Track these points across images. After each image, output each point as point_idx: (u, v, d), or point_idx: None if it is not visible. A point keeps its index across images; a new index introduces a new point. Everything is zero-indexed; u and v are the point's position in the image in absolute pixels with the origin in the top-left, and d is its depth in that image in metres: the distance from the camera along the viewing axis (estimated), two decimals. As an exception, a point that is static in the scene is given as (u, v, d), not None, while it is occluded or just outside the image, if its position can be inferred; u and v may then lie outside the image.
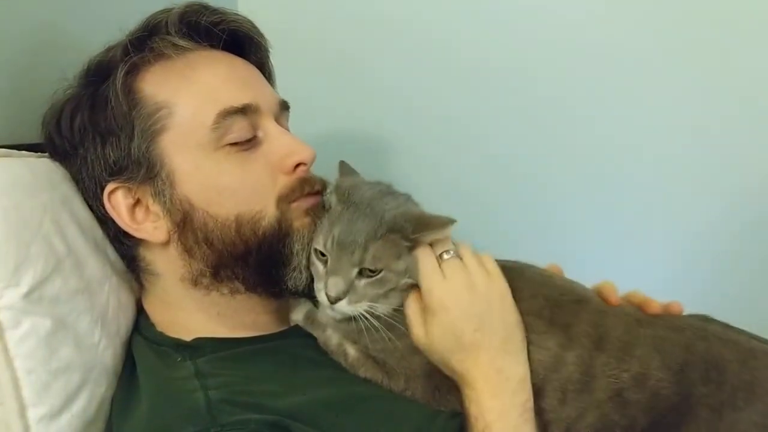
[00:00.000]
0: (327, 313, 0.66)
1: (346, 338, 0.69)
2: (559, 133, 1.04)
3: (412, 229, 0.64)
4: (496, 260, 0.68)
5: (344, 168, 0.74)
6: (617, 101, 1.01)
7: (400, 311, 0.66)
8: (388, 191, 0.69)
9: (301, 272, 0.67)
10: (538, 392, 0.63)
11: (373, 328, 0.64)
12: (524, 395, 0.61)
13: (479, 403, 0.61)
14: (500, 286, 0.65)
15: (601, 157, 1.04)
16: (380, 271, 0.63)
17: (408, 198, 0.70)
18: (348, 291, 0.63)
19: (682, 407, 0.60)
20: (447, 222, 0.65)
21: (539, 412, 0.63)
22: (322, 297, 0.64)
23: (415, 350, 0.66)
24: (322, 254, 0.65)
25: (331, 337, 0.70)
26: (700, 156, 1.00)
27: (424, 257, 0.65)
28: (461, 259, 0.65)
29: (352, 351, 0.69)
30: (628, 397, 0.61)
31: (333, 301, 0.63)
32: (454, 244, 0.67)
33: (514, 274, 0.67)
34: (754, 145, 0.98)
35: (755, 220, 0.99)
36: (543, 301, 0.66)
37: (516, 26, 1.02)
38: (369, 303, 0.64)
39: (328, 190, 0.70)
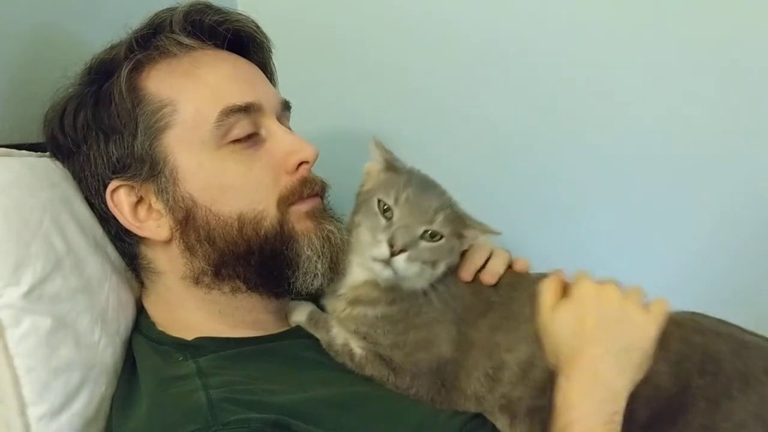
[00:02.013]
0: (376, 270, 0.66)
1: (354, 335, 0.69)
2: (565, 132, 1.04)
3: (469, 221, 0.70)
4: None
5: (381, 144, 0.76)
6: (625, 100, 1.01)
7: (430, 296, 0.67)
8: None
9: (316, 277, 0.68)
10: (542, 389, 0.64)
11: (400, 311, 0.67)
12: (614, 407, 0.60)
13: (567, 395, 0.61)
14: (651, 322, 0.64)
15: (606, 157, 1.03)
16: (441, 239, 0.66)
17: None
18: (411, 245, 0.65)
19: (680, 399, 0.61)
20: (495, 231, 0.70)
21: (542, 408, 0.63)
22: (381, 249, 0.65)
23: (423, 347, 0.67)
24: (386, 209, 0.67)
25: (336, 337, 0.70)
26: (704, 156, 1.00)
27: (583, 274, 0.68)
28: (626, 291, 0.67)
29: (358, 350, 0.69)
30: (635, 392, 0.62)
31: (396, 252, 0.64)
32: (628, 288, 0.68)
33: None
34: (760, 145, 0.97)
35: (761, 221, 0.99)
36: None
37: (525, 20, 1.02)
38: (421, 265, 0.65)
39: (374, 160, 0.73)
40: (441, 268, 0.68)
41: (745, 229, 1.00)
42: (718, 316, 0.67)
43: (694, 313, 0.68)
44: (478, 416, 0.67)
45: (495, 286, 0.70)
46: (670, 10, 0.97)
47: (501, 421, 0.67)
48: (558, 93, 1.03)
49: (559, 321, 0.65)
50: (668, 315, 0.66)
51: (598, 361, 0.62)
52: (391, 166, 0.72)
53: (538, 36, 1.01)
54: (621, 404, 0.61)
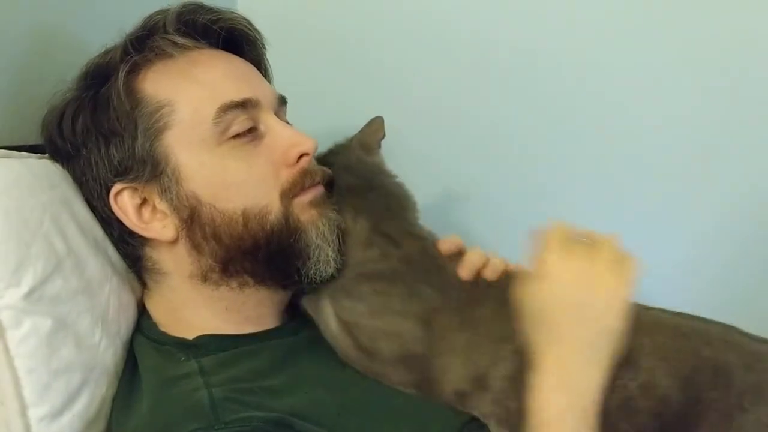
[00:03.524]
0: None
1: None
2: (563, 132, 1.04)
3: None
4: None
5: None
6: (623, 100, 1.01)
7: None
8: None
9: (328, 263, 0.68)
10: None
11: None
12: (589, 399, 0.58)
13: (541, 393, 0.58)
14: (624, 291, 0.61)
15: (605, 157, 1.04)
16: None
17: None
18: None
19: (692, 412, 0.60)
20: None
21: None
22: None
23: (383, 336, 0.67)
24: None
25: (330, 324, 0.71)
26: (703, 156, 1.00)
27: (556, 232, 0.63)
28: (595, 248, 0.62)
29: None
30: (635, 405, 0.61)
31: None
32: (600, 234, 0.64)
33: None
34: (759, 145, 0.98)
35: (761, 222, 0.99)
36: None
37: (526, 20, 1.02)
38: None
39: None
40: None
41: (745, 230, 1.00)
42: (717, 316, 0.66)
43: (702, 319, 0.66)
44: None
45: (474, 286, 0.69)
46: (671, 11, 0.97)
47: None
48: (557, 94, 1.03)
49: (530, 311, 0.61)
50: (674, 321, 0.64)
51: (572, 355, 0.59)
52: None
53: (538, 37, 1.02)
54: (596, 395, 0.58)
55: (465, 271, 0.69)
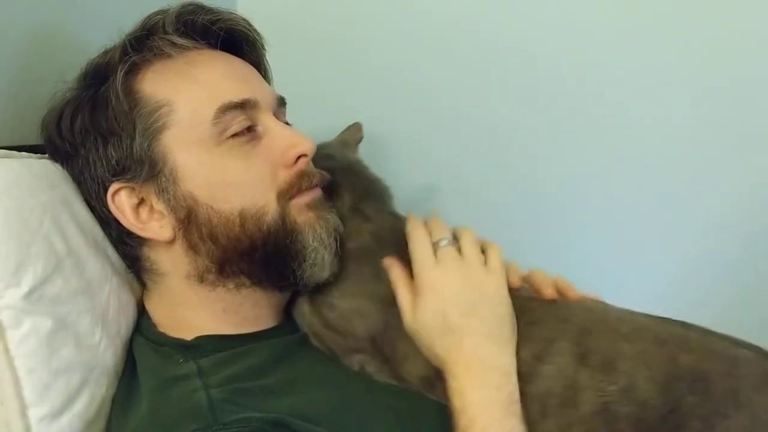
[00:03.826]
0: None
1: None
2: (562, 133, 1.04)
3: None
4: None
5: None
6: (623, 101, 1.01)
7: None
8: None
9: (324, 267, 0.68)
10: None
11: None
12: (509, 387, 0.61)
13: (462, 395, 0.61)
14: (496, 279, 0.65)
15: (604, 158, 1.04)
16: None
17: None
18: None
19: (673, 420, 0.59)
20: None
21: None
22: None
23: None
24: None
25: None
26: (701, 159, 1.00)
27: (418, 240, 0.67)
28: (459, 248, 0.66)
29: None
30: (615, 410, 0.60)
31: None
32: (457, 230, 0.68)
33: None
34: (756, 148, 0.98)
35: (760, 223, 0.99)
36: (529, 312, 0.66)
37: (526, 20, 1.02)
38: None
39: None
40: None
41: (744, 232, 1.00)
42: (718, 316, 0.66)
43: (681, 323, 0.65)
44: None
45: None
46: (671, 11, 0.97)
47: None
48: (557, 94, 1.03)
49: (425, 325, 0.64)
50: (655, 327, 0.64)
51: (478, 349, 0.62)
52: None
53: (537, 37, 1.02)
54: (514, 381, 0.61)
55: None
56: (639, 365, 0.61)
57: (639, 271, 1.03)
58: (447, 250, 0.66)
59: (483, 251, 0.68)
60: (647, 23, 0.98)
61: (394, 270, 0.67)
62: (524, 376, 0.63)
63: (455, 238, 0.68)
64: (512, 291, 0.67)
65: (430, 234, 0.68)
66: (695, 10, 0.96)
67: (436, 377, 0.65)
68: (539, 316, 0.67)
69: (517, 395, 0.61)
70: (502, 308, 0.64)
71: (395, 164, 1.11)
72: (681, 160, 1.01)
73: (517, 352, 0.64)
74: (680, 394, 0.59)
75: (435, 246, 0.66)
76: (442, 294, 0.64)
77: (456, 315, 0.63)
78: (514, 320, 0.64)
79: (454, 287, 0.64)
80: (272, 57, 0.78)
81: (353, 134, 0.86)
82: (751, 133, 0.97)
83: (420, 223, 0.69)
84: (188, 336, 0.68)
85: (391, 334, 0.68)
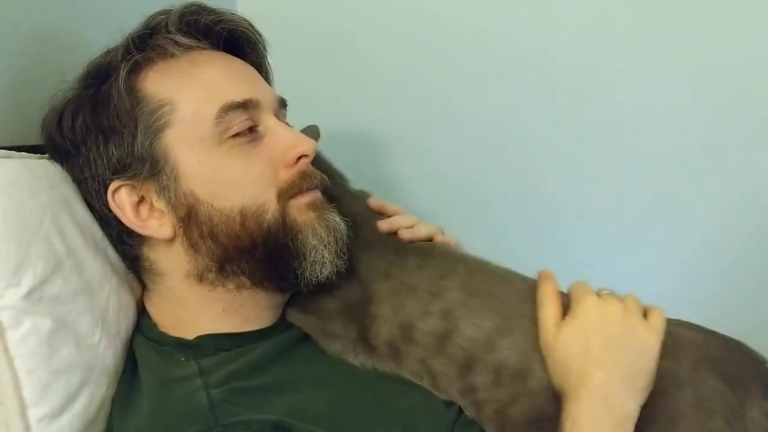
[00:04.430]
0: None
1: None
2: (563, 134, 1.05)
3: None
4: None
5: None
6: (619, 103, 1.01)
7: None
8: None
9: (324, 265, 0.68)
10: (468, 367, 0.65)
11: None
12: (624, 428, 0.60)
13: (576, 422, 0.60)
14: (652, 335, 0.64)
15: (604, 158, 1.04)
16: None
17: None
18: None
19: None
20: None
21: (473, 389, 0.65)
22: None
23: None
24: None
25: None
26: (701, 159, 1.00)
27: (582, 286, 0.68)
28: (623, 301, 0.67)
29: None
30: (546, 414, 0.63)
31: None
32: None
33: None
34: (756, 148, 0.98)
35: (760, 224, 0.99)
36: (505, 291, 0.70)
37: (527, 19, 1.02)
38: None
39: None
40: None
41: (744, 231, 1.00)
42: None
43: None
44: None
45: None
46: (670, 11, 0.97)
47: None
48: (557, 94, 1.03)
49: (565, 343, 0.64)
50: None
51: (607, 385, 0.61)
52: None
53: (537, 37, 1.02)
54: (631, 428, 0.61)
55: (385, 225, 0.74)
56: None
57: (639, 271, 1.03)
58: (611, 295, 0.67)
59: (646, 313, 0.67)
60: (647, 23, 0.98)
61: (548, 285, 0.68)
62: (482, 346, 0.65)
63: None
64: None
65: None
66: (695, 10, 0.96)
67: (401, 336, 0.67)
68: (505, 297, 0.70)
69: None
70: (647, 360, 0.63)
71: (395, 164, 1.11)
72: (681, 159, 1.01)
73: (480, 321, 0.66)
74: None
75: (598, 292, 0.67)
76: (593, 319, 0.64)
77: (598, 344, 0.63)
78: (652, 381, 0.63)
79: (607, 318, 0.64)
80: (272, 57, 0.78)
81: (309, 134, 0.87)
82: (752, 132, 0.98)
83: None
84: (189, 335, 0.68)
85: (360, 299, 0.70)
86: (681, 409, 0.61)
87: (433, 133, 1.09)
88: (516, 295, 0.69)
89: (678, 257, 1.03)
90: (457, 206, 1.08)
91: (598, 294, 0.67)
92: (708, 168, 1.00)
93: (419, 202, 1.07)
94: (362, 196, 0.80)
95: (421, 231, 0.75)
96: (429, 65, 1.06)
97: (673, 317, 0.67)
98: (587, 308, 0.65)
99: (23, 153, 0.68)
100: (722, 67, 0.96)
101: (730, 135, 0.98)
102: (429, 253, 0.73)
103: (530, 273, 0.72)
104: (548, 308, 0.66)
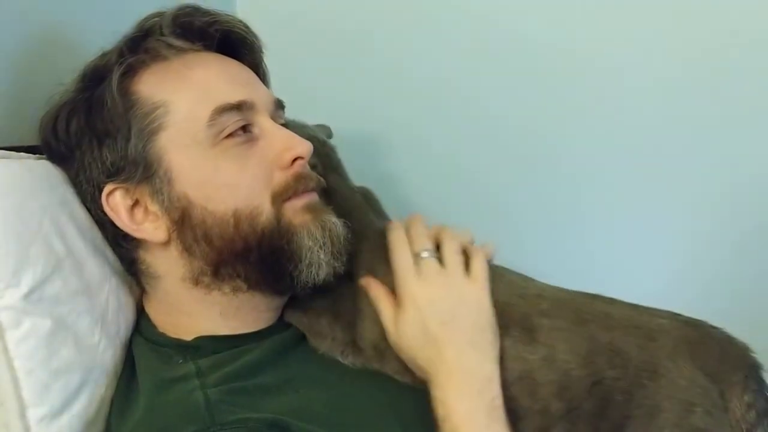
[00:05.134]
0: None
1: None
2: (563, 132, 1.04)
3: None
4: None
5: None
6: (621, 103, 1.01)
7: None
8: None
9: (320, 267, 0.68)
10: None
11: None
12: (491, 393, 0.62)
13: (446, 404, 0.62)
14: (477, 286, 0.67)
15: (599, 159, 1.04)
16: None
17: None
18: None
19: (598, 392, 0.62)
20: None
21: None
22: None
23: None
24: None
25: None
26: (700, 158, 1.00)
27: (400, 253, 0.68)
28: (441, 258, 0.68)
29: None
30: (537, 377, 0.63)
31: None
32: (440, 234, 0.69)
33: None
34: (755, 146, 0.98)
35: (759, 222, 0.99)
36: None
37: (527, 19, 1.02)
38: None
39: None
40: None
41: (745, 231, 1.00)
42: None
43: (609, 299, 0.67)
44: None
45: None
46: (671, 12, 0.97)
47: None
48: (558, 93, 1.03)
49: (407, 337, 0.65)
50: (578, 305, 0.66)
51: (459, 357, 0.63)
52: None
53: (537, 37, 1.02)
54: (496, 387, 0.62)
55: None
56: (557, 340, 0.64)
57: (639, 271, 1.03)
58: (428, 262, 0.67)
59: (467, 257, 0.69)
60: (649, 23, 0.98)
61: (373, 289, 0.69)
62: None
63: (438, 245, 0.69)
64: None
65: (412, 243, 0.69)
66: (695, 10, 0.96)
67: (387, 346, 0.67)
68: None
69: (500, 401, 0.62)
70: (483, 315, 0.65)
71: (396, 164, 1.11)
72: (681, 159, 1.00)
73: None
74: (601, 368, 0.62)
75: (416, 257, 0.68)
76: (422, 305, 0.65)
77: (435, 325, 0.64)
78: (495, 328, 0.65)
79: (433, 298, 0.66)
80: (270, 58, 0.78)
81: (322, 132, 0.87)
82: (752, 132, 0.97)
83: (401, 232, 0.70)
84: (188, 336, 0.68)
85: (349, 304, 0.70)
86: (658, 402, 0.61)
87: (433, 132, 1.09)
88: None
89: (678, 257, 1.03)
90: (460, 206, 1.08)
91: (416, 261, 0.67)
92: (709, 168, 1.00)
93: (421, 201, 1.07)
94: (361, 191, 0.80)
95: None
96: (429, 65, 1.06)
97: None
98: (412, 295, 0.66)
99: (23, 154, 0.68)
100: (727, 67, 0.96)
101: (731, 134, 0.98)
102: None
103: (534, 270, 0.72)
104: (384, 309, 0.67)
